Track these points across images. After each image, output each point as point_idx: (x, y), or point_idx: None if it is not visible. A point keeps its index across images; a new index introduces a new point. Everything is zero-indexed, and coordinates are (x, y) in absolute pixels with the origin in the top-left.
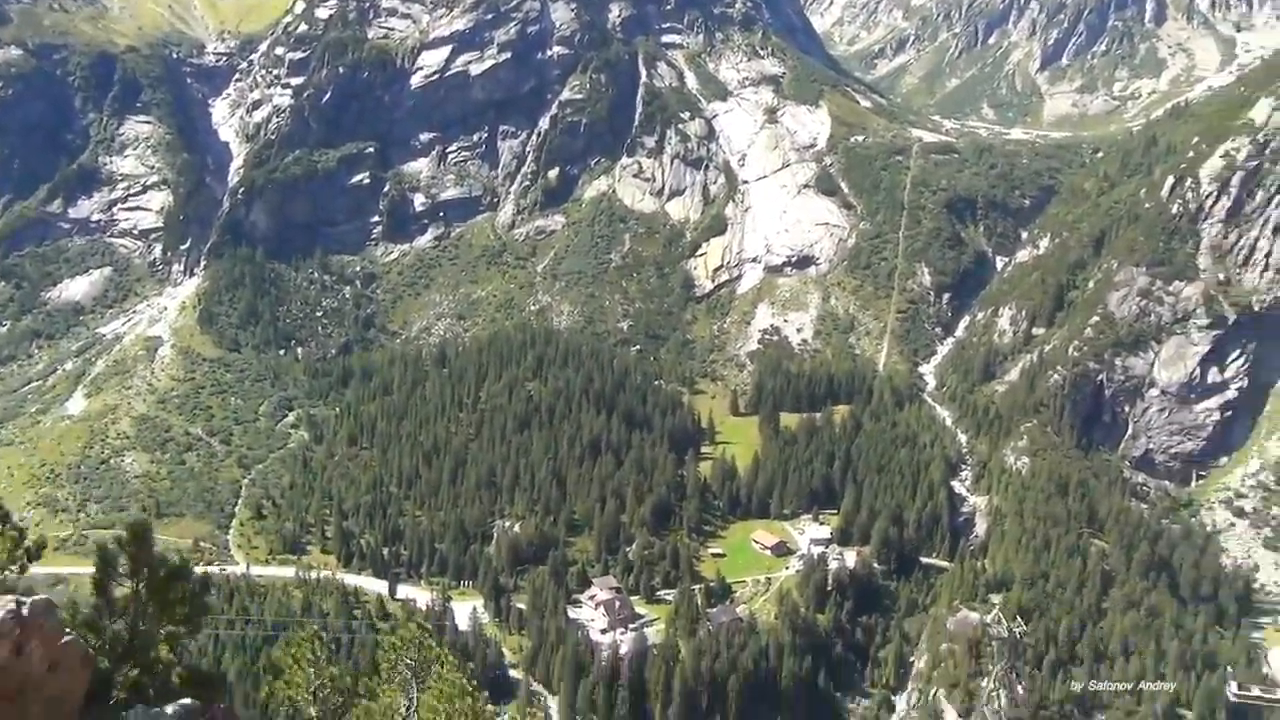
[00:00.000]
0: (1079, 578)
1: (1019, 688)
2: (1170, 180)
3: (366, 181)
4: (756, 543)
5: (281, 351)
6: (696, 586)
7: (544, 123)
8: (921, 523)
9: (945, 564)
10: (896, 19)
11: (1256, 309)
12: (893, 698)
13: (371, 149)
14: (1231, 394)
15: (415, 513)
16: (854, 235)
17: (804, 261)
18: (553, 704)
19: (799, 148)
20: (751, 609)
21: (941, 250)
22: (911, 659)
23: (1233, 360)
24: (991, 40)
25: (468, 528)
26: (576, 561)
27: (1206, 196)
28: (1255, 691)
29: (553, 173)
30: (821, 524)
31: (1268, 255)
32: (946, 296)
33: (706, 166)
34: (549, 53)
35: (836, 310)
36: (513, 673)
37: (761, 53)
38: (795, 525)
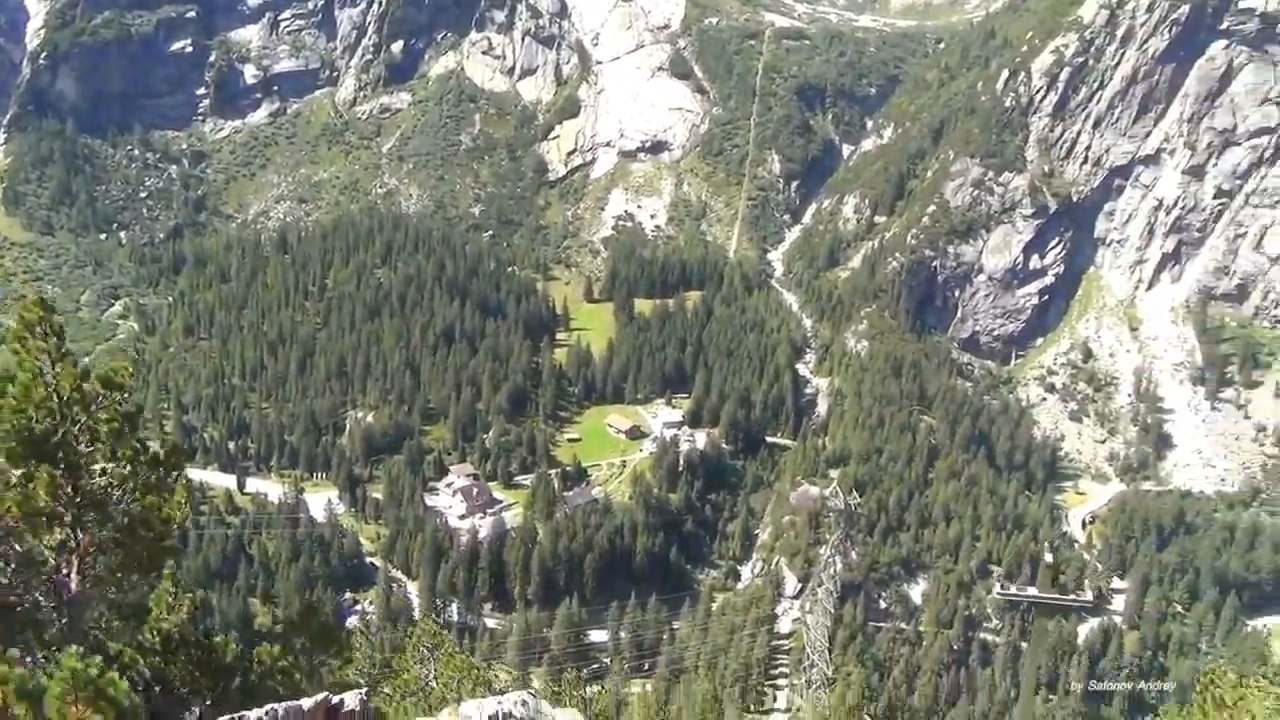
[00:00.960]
0: (909, 452)
1: (853, 553)
2: (1005, 74)
3: (189, 50)
4: (611, 427)
5: (103, 236)
6: (553, 471)
7: None
8: (768, 404)
9: (789, 442)
10: None
11: (1075, 199)
12: (739, 568)
13: (193, 13)
14: (1049, 279)
15: (262, 405)
16: (707, 121)
17: (658, 147)
18: (412, 589)
19: (653, 28)
20: (607, 490)
21: (791, 138)
22: (756, 532)
23: (1052, 248)
24: None
25: (319, 419)
26: (433, 450)
27: (1037, 91)
28: (1012, 590)
29: (396, 46)
30: (674, 408)
31: (1087, 149)
32: (795, 184)
33: (559, 45)
34: None
35: (689, 196)
36: (371, 561)
37: None
38: (649, 409)
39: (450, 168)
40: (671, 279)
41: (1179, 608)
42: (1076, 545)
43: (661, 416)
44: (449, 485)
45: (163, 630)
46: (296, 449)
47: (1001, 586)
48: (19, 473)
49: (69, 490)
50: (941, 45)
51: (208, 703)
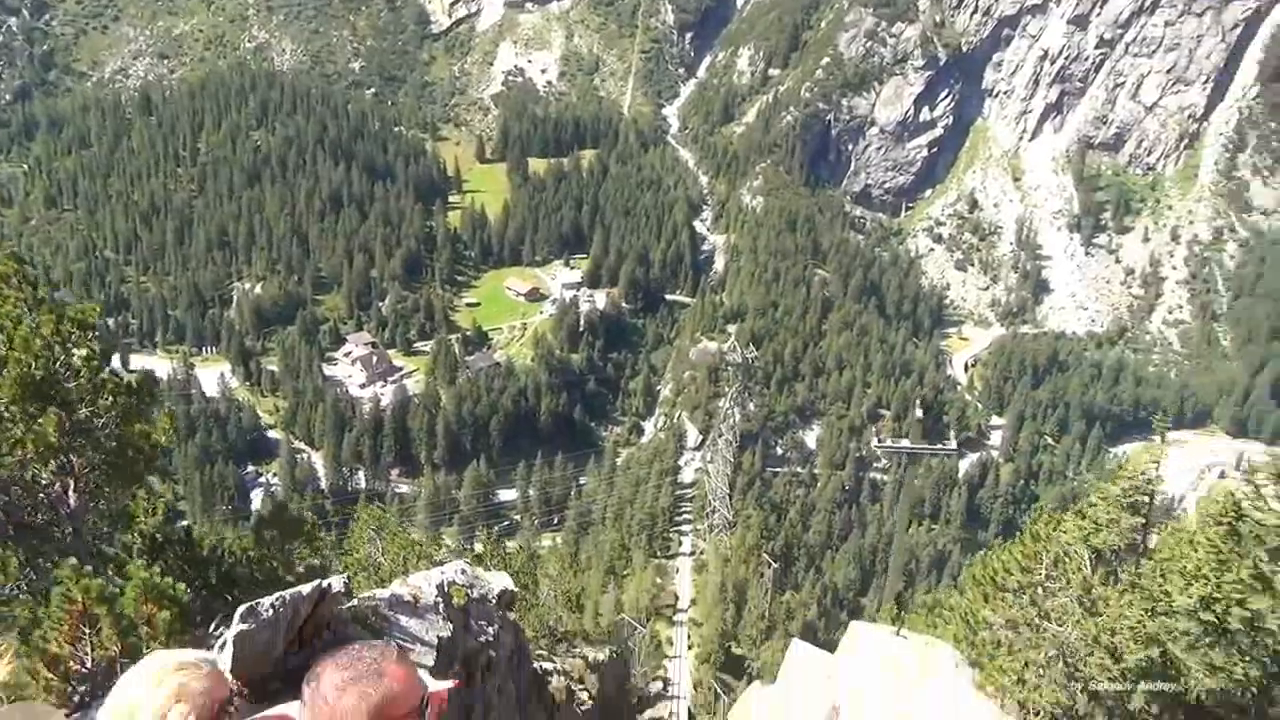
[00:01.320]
0: (803, 304)
1: (751, 404)
2: None
3: None
4: (510, 290)
5: None
6: (453, 336)
7: None
8: (666, 262)
9: (688, 299)
10: None
11: (964, 50)
12: (642, 423)
13: None
14: (939, 131)
15: (140, 279)
16: None
17: None
18: (317, 459)
19: None
20: (509, 353)
21: None
22: (658, 388)
23: (941, 100)
24: None
25: (203, 291)
26: (328, 320)
27: None
28: (888, 442)
29: None
30: (572, 268)
31: None
32: (689, 36)
33: None
34: None
35: (581, 50)
36: (271, 434)
37: None
38: (547, 271)
39: (325, 19)
40: (565, 137)
41: (1050, 440)
42: (959, 387)
43: (561, 278)
44: (347, 354)
45: (145, 532)
46: (182, 323)
47: (879, 439)
48: (29, 412)
49: (66, 424)
50: None
51: (197, 592)
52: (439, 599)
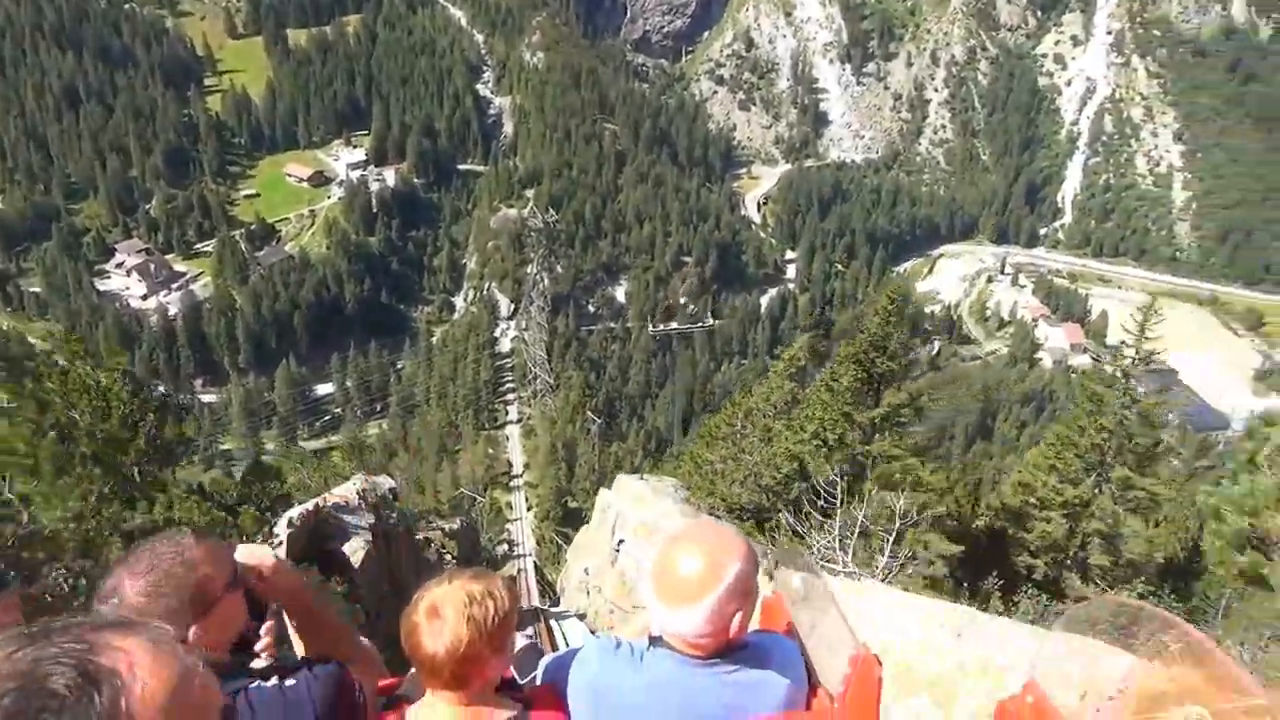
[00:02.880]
0: (597, 160)
1: (558, 267)
2: None
3: None
4: (291, 176)
5: None
6: (237, 232)
7: None
8: (453, 131)
9: (481, 168)
10: None
11: None
12: (451, 299)
13: None
14: None
15: None
16: None
17: None
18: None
19: None
20: (301, 244)
21: None
22: (463, 261)
23: None
24: None
25: None
26: (89, 229)
27: None
28: (660, 327)
29: None
30: (355, 147)
31: None
32: None
33: None
34: None
35: None
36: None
37: None
38: (328, 152)
39: None
40: (325, 2)
41: (839, 267)
42: (754, 226)
43: (344, 158)
44: (119, 265)
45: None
46: None
47: (651, 325)
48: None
49: None
50: None
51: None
52: (360, 501)
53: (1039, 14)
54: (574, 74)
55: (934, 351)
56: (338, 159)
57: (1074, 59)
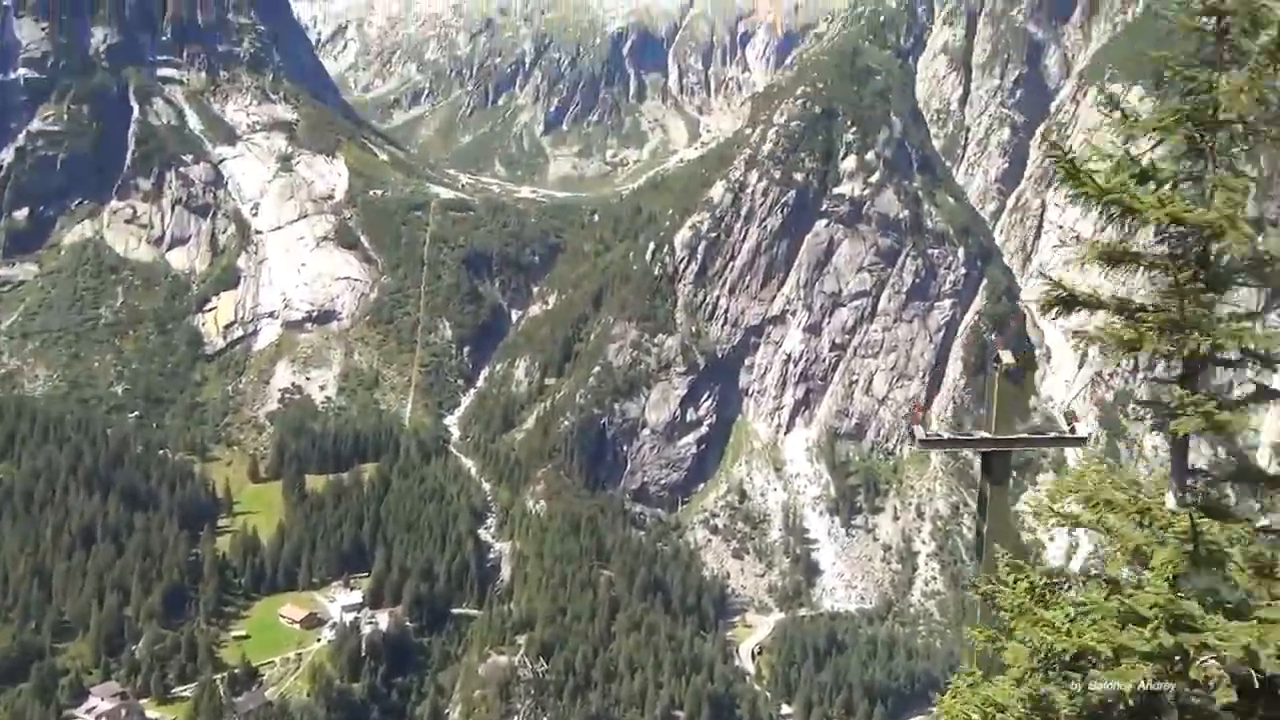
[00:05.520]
0: (591, 607)
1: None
2: (651, 246)
3: None
4: (285, 617)
5: None
6: (218, 676)
7: (8, 155)
8: (452, 574)
9: (475, 611)
10: (411, 71)
11: (720, 356)
12: None
13: None
14: (705, 429)
15: None
16: (376, 289)
17: (325, 316)
18: None
19: (316, 198)
20: (282, 690)
21: (461, 304)
22: (446, 711)
23: (704, 401)
24: (501, 101)
25: None
26: (69, 670)
27: (680, 261)
28: None
29: (21, 214)
30: (353, 589)
31: (726, 311)
32: (467, 349)
33: (214, 214)
34: (13, 74)
35: (360, 365)
36: None
37: (273, 96)
38: (326, 593)
39: (87, 344)
40: (345, 451)
41: None
42: (748, 678)
43: (340, 600)
44: (90, 710)
45: None
46: None
47: None
48: None
49: None
50: (596, 217)
51: None
52: None
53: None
54: (574, 521)
55: None
56: (334, 600)
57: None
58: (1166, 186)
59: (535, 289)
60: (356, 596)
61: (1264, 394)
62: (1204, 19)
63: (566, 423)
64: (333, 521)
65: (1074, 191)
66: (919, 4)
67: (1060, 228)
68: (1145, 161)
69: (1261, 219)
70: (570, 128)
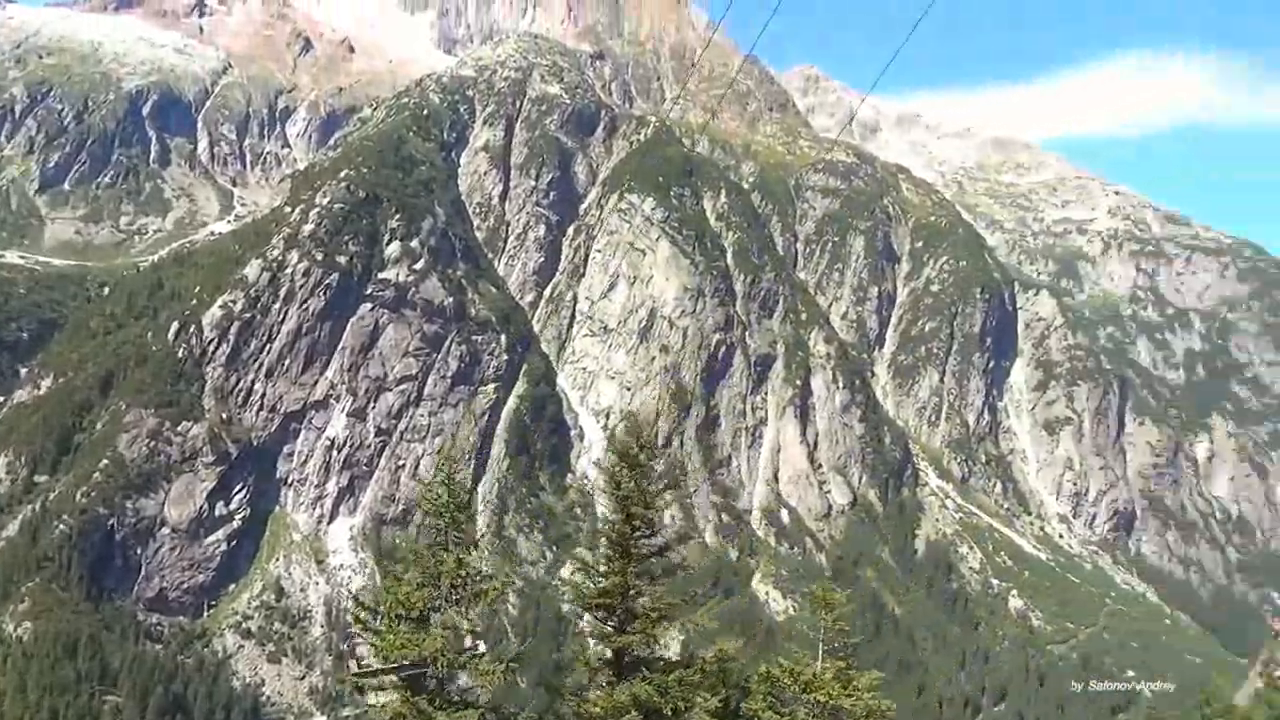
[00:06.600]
0: None
1: None
2: (176, 325)
3: None
4: None
5: None
6: None
7: None
8: None
9: None
10: None
11: (255, 444)
12: None
13: None
14: (237, 524)
15: None
16: None
17: None
18: None
19: None
20: None
21: None
22: None
23: (237, 493)
24: None
25: None
26: None
27: (209, 342)
28: None
29: None
30: None
31: (263, 396)
32: None
33: None
34: None
35: None
36: None
37: None
38: None
39: None
40: None
41: None
42: None
43: None
44: None
45: None
46: None
47: None
48: None
49: None
50: (106, 291)
51: None
52: None
53: None
54: (69, 644)
55: None
56: None
57: None
58: None
59: (24, 371)
60: None
61: None
62: None
63: (63, 527)
64: None
65: None
66: (461, 104)
67: (590, 319)
68: None
69: None
70: (75, 188)
